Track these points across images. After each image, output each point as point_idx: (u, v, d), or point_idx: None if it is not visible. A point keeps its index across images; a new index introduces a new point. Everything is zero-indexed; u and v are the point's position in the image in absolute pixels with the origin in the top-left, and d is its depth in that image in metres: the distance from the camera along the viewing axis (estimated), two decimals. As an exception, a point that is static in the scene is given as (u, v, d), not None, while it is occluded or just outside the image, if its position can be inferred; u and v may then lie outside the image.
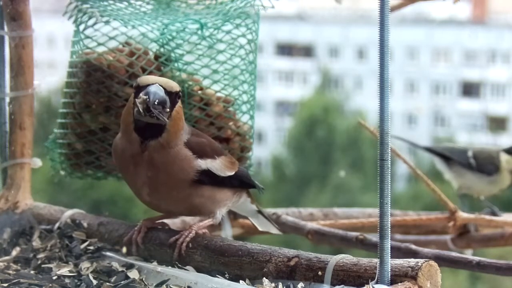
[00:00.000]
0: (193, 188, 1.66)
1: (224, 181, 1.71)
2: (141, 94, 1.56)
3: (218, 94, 1.92)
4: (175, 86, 1.61)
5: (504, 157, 2.74)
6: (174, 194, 1.66)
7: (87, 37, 1.86)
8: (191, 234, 1.64)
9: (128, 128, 1.62)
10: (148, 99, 1.55)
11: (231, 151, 1.92)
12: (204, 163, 1.67)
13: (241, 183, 1.77)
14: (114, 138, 1.85)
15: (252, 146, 2.00)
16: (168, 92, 1.58)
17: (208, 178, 1.68)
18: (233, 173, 1.73)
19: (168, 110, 1.58)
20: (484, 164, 2.76)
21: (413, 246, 1.93)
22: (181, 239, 1.63)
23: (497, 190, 2.76)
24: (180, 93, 1.63)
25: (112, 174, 1.95)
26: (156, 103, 1.55)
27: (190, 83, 1.88)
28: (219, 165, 1.70)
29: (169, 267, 1.59)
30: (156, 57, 1.88)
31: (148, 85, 1.57)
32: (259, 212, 1.90)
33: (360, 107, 18.26)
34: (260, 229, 1.91)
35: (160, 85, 1.58)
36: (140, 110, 1.56)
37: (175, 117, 1.61)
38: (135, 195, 1.70)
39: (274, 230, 1.92)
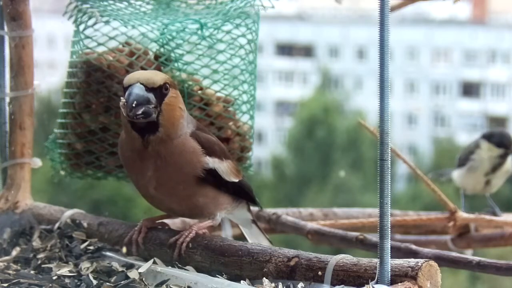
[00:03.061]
0: (198, 186, 1.66)
1: (227, 186, 1.72)
2: (121, 98, 1.58)
3: (218, 94, 1.92)
4: (158, 80, 1.59)
5: (484, 145, 2.74)
6: (180, 189, 1.65)
7: (87, 37, 1.86)
8: (191, 234, 1.64)
9: (127, 127, 1.63)
10: (126, 103, 1.56)
11: (231, 151, 1.92)
12: (211, 162, 1.67)
13: (242, 193, 1.77)
14: (114, 138, 1.86)
15: (252, 146, 2.00)
16: (150, 89, 1.58)
17: (213, 179, 1.68)
18: (237, 180, 1.73)
19: (154, 105, 1.58)
20: (463, 158, 2.79)
21: (413, 246, 1.93)
22: (181, 239, 1.63)
23: (482, 176, 2.75)
24: (168, 84, 1.61)
25: (112, 174, 1.95)
26: (134, 105, 1.55)
27: (190, 83, 1.88)
28: (225, 168, 1.70)
29: (169, 267, 1.60)
30: (156, 57, 1.87)
31: (130, 85, 1.57)
32: (253, 221, 1.89)
33: (360, 107, 18.29)
34: (249, 240, 1.88)
35: (141, 83, 1.57)
36: (124, 113, 1.57)
37: (167, 109, 1.60)
38: (140, 192, 1.70)
39: (265, 242, 1.88)
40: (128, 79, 1.59)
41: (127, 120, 1.60)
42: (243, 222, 1.90)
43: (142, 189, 1.68)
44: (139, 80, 1.58)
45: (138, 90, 1.56)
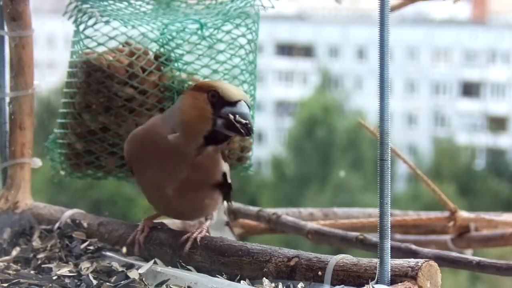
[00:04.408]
0: (211, 190, 1.68)
1: (227, 187, 1.73)
2: (235, 115, 1.56)
3: (218, 94, 1.92)
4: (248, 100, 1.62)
5: None
6: (198, 194, 1.67)
7: (87, 37, 1.86)
8: (204, 231, 1.64)
9: (194, 131, 1.60)
10: (248, 124, 1.56)
11: (231, 151, 1.93)
12: (225, 166, 1.69)
13: (229, 192, 1.78)
14: (114, 138, 1.86)
15: (252, 146, 2.00)
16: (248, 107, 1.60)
17: (222, 182, 1.70)
18: (230, 180, 1.74)
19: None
20: None
21: (413, 246, 1.93)
22: (194, 234, 1.63)
23: None
24: None
25: (112, 174, 1.95)
26: (249, 124, 1.57)
27: (190, 83, 1.88)
28: (228, 170, 1.71)
29: (169, 267, 1.60)
30: (156, 57, 1.87)
31: (237, 101, 1.58)
32: (227, 224, 1.90)
33: (360, 107, 18.28)
34: None
35: (245, 102, 1.59)
36: (241, 131, 1.56)
37: None
38: (147, 189, 1.69)
39: None
40: (232, 93, 1.59)
41: (210, 128, 1.59)
42: (218, 224, 1.90)
43: (155, 187, 1.67)
44: (242, 98, 1.59)
45: (247, 109, 1.58)
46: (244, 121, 1.56)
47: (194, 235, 1.63)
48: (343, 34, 20.53)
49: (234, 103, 1.58)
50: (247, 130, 1.56)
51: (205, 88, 1.61)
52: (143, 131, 1.69)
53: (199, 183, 1.65)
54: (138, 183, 1.72)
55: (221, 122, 1.58)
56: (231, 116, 1.57)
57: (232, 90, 1.61)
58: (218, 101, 1.59)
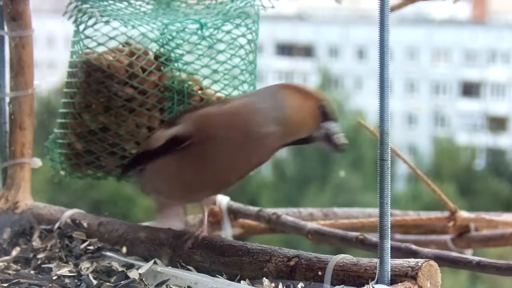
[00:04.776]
0: None
1: None
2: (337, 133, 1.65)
3: (218, 94, 1.92)
4: None
5: None
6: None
7: (87, 37, 1.86)
8: (205, 231, 1.64)
9: (297, 132, 1.65)
10: (345, 145, 1.66)
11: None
12: None
13: None
14: (114, 138, 1.86)
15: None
16: None
17: None
18: None
19: None
20: None
21: (413, 246, 1.93)
22: (196, 233, 1.63)
23: None
24: None
25: (112, 174, 1.95)
26: (346, 146, 1.66)
27: (190, 83, 1.88)
28: None
29: (169, 267, 1.60)
30: (156, 57, 1.88)
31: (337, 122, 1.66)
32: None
33: (360, 107, 18.27)
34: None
35: None
36: (339, 147, 1.65)
37: None
38: (201, 168, 1.64)
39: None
40: (337, 114, 1.68)
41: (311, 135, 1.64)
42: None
43: (220, 171, 1.65)
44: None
45: None
46: (343, 141, 1.65)
47: (196, 234, 1.63)
48: (343, 34, 20.53)
49: (335, 122, 1.66)
50: (342, 149, 1.66)
51: (315, 96, 1.68)
52: (231, 113, 1.65)
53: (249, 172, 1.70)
54: (189, 161, 1.65)
55: (320, 132, 1.64)
56: (335, 131, 1.65)
57: (335, 109, 1.68)
58: (325, 114, 1.65)
